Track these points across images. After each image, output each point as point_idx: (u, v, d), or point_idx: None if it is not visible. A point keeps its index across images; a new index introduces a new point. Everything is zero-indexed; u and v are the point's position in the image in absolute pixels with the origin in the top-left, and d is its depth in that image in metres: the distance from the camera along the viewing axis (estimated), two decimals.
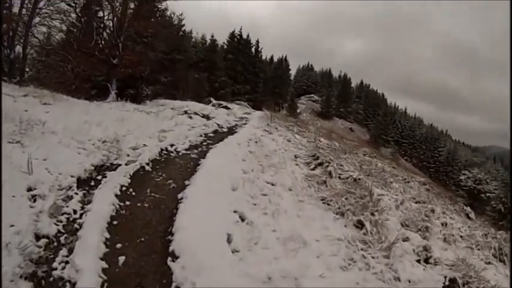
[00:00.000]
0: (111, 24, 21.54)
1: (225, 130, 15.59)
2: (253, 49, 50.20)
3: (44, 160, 8.26)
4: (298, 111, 59.73)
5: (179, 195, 8.09)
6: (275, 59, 70.23)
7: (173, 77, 32.39)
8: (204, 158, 10.81)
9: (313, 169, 11.81)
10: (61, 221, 6.63)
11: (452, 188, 60.72)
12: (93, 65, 21.04)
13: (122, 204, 7.55)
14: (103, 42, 21.79)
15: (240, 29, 48.08)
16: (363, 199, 9.64)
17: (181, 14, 34.04)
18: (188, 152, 11.52)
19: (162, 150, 10.99)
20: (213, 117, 17.39)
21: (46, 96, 13.75)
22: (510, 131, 64.08)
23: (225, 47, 47.28)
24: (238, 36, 47.89)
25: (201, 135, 13.63)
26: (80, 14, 21.49)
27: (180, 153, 11.31)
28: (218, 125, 15.99)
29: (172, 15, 32.21)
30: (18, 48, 19.77)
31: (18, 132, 9.07)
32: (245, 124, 17.70)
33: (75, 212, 7.00)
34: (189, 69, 35.11)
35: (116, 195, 7.74)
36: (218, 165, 10.00)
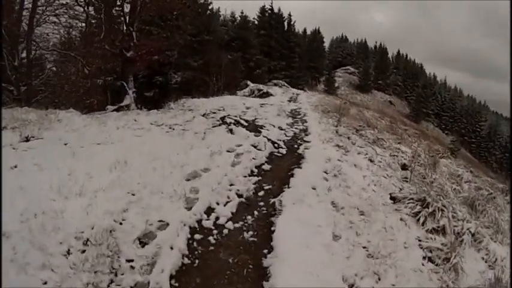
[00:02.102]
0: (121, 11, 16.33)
1: (284, 151, 10.12)
2: (285, 23, 45.41)
3: None
4: (336, 85, 55.02)
5: None
6: (308, 32, 65.36)
7: (204, 60, 27.70)
8: (269, 244, 5.70)
9: (423, 223, 7.84)
10: None
11: (494, 165, 55.53)
12: (106, 61, 16.66)
13: None
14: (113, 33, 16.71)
15: (271, 3, 43.22)
16: None
17: None
18: (239, 226, 6.24)
19: (192, 232, 5.81)
20: (262, 128, 11.89)
21: (30, 124, 8.89)
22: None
23: (256, 23, 42.34)
24: (270, 11, 43.05)
25: (252, 172, 8.29)
26: (83, 6, 16.45)
27: (225, 233, 6.00)
28: (272, 142, 10.53)
29: None
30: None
31: None
32: (306, 132, 12.43)
33: None
34: (220, 50, 30.28)
35: None
36: (302, 275, 4.94)
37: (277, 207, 6.74)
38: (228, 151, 9.04)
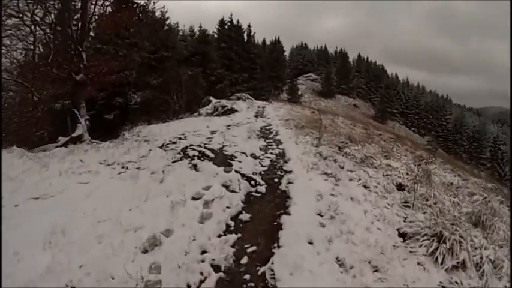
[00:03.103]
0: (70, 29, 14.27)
1: (263, 189, 8.02)
2: (245, 34, 44.91)
3: None
4: (299, 93, 54.24)
5: None
6: (268, 42, 64.88)
7: (163, 77, 26.68)
8: None
9: (442, 262, 6.31)
10: None
11: (463, 155, 56.31)
12: (57, 86, 15.11)
13: None
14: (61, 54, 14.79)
15: (231, 15, 42.65)
16: None
17: (164, 6, 29.26)
18: None
19: None
20: (232, 159, 9.75)
21: None
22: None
23: (216, 36, 41.25)
24: (229, 23, 42.36)
25: (228, 228, 6.29)
26: (29, 25, 14.41)
27: None
28: (247, 178, 8.45)
29: (153, 9, 25.99)
30: None
31: None
32: (284, 157, 10.39)
33: None
34: (180, 66, 28.77)
35: None
36: None
37: (270, 283, 4.88)
38: (194, 198, 7.09)
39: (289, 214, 6.70)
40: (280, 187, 8.16)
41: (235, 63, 39.63)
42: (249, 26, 45.17)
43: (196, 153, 9.72)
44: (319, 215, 6.85)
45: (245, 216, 6.71)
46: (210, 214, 6.49)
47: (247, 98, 31.47)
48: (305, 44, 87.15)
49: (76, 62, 13.40)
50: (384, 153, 13.19)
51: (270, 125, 16.23)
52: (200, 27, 37.19)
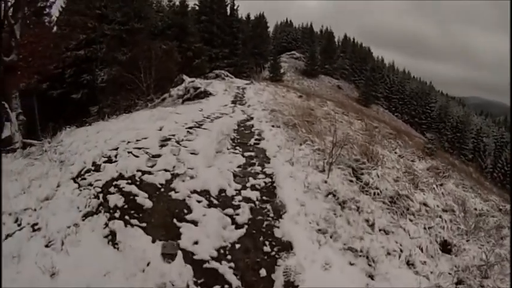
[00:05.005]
0: None
1: None
2: (228, 8, 41.26)
3: None
4: (281, 71, 52.07)
5: None
6: (252, 17, 60.03)
7: (133, 52, 22.98)
8: None
9: None
10: None
11: (446, 145, 53.96)
12: None
13: None
14: None
15: None
16: None
17: None
18: None
19: None
20: (181, 213, 5.09)
21: None
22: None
23: (197, 8, 37.68)
24: None
25: None
26: None
27: None
28: (206, 276, 4.15)
29: None
30: None
31: None
32: (273, 201, 5.92)
33: None
34: (153, 39, 25.38)
35: None
36: None
37: None
38: None
39: None
40: None
41: (216, 38, 36.40)
42: None
43: (122, 201, 5.23)
44: None
45: None
46: None
47: (227, 76, 27.87)
48: (290, 21, 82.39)
49: (6, 38, 9.74)
50: (408, 175, 9.02)
51: (251, 118, 11.68)
52: None
